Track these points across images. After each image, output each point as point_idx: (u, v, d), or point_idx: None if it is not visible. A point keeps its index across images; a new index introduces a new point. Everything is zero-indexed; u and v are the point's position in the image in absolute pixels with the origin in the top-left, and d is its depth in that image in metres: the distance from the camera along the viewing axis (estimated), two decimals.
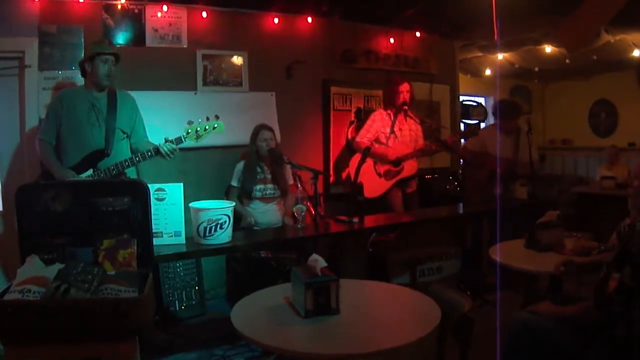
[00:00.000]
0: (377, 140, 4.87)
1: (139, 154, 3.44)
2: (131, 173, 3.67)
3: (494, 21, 4.09)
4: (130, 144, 3.70)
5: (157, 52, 4.59)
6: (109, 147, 3.50)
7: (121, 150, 3.57)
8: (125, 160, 3.42)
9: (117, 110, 3.58)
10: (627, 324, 2.18)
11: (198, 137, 3.47)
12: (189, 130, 3.45)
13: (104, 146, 3.49)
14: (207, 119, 3.50)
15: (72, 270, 2.30)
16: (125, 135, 3.66)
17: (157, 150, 3.42)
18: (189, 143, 3.50)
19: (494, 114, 4.96)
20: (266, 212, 4.27)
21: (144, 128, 3.81)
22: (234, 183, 4.29)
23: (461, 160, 5.17)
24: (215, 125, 3.50)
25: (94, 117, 3.52)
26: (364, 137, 4.87)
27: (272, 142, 4.25)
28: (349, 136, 5.51)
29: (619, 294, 2.24)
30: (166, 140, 3.44)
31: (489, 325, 2.77)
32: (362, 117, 5.43)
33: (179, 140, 3.44)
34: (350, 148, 5.32)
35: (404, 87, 4.82)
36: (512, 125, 4.80)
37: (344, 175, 5.44)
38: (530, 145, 4.69)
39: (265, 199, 4.27)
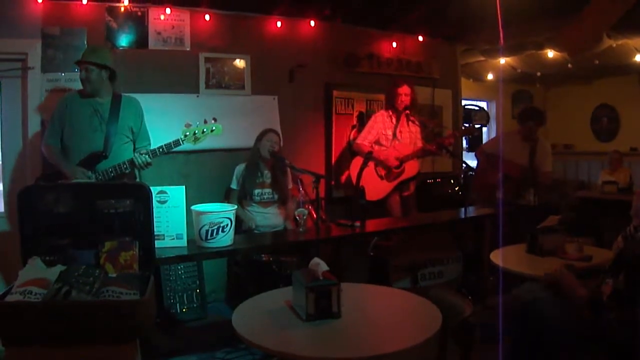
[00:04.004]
0: (377, 142, 4.85)
1: (115, 166, 3.45)
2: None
3: (498, 25, 4.10)
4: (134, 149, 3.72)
5: (160, 55, 4.60)
6: (107, 149, 3.51)
7: (124, 154, 3.57)
8: (123, 163, 3.44)
9: (120, 115, 3.60)
10: (622, 330, 2.18)
11: (196, 139, 3.49)
12: (187, 133, 3.46)
13: (102, 149, 3.50)
14: (205, 121, 3.52)
15: (74, 272, 2.31)
16: (130, 140, 3.67)
17: (131, 162, 3.46)
18: (187, 146, 3.51)
19: (518, 118, 4.95)
20: (266, 215, 4.28)
21: (148, 135, 3.80)
22: (234, 185, 4.31)
23: (463, 165, 5.16)
24: (213, 128, 3.52)
25: (96, 121, 3.54)
26: (365, 139, 4.86)
27: (276, 146, 4.27)
28: (351, 139, 5.51)
29: (613, 300, 2.25)
30: (140, 153, 3.48)
31: (490, 330, 2.76)
32: (364, 121, 5.43)
33: (177, 142, 3.45)
34: (350, 150, 5.32)
35: (403, 89, 4.80)
36: (532, 132, 4.80)
37: (343, 177, 5.43)
38: (549, 154, 4.87)
39: (263, 203, 4.29)
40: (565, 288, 2.50)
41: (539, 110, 5.10)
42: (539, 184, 4.77)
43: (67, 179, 3.36)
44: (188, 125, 3.48)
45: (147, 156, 3.46)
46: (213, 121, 3.54)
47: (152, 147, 3.64)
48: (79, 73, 3.58)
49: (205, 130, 3.49)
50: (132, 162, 3.46)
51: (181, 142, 3.46)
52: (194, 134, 3.47)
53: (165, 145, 3.47)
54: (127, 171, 3.48)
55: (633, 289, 2.20)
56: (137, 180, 3.68)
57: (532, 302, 2.53)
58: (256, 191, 4.27)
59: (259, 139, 4.32)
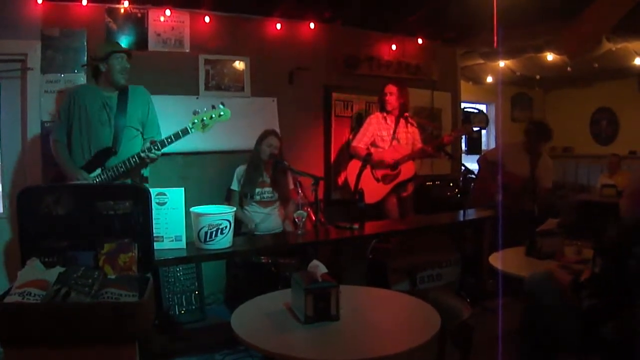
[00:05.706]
0: (373, 143, 4.84)
1: (124, 162, 3.39)
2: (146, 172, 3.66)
3: (496, 28, 4.10)
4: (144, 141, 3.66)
5: (160, 57, 4.60)
6: (116, 145, 3.46)
7: (133, 148, 3.50)
8: (132, 157, 3.38)
9: (128, 107, 3.54)
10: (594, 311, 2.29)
11: (204, 126, 3.40)
12: (195, 121, 3.39)
13: (112, 145, 3.46)
14: (213, 107, 3.45)
15: (73, 274, 2.31)
16: (139, 131, 3.62)
17: (140, 158, 3.38)
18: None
19: (525, 132, 4.94)
20: (265, 217, 4.28)
21: (157, 124, 3.73)
22: (234, 187, 4.30)
23: (462, 168, 5.17)
24: (222, 113, 3.44)
25: (105, 116, 3.49)
26: (360, 142, 4.84)
27: (276, 150, 4.26)
28: (350, 139, 5.50)
29: (589, 282, 2.35)
30: (151, 143, 3.41)
31: (489, 332, 2.77)
32: (362, 121, 5.41)
33: (185, 131, 3.37)
34: (348, 152, 5.31)
35: (388, 88, 4.78)
36: (538, 148, 4.81)
37: (340, 180, 5.43)
38: (550, 170, 4.93)
39: (263, 203, 4.29)
40: (556, 276, 2.61)
41: (547, 126, 5.05)
42: (537, 197, 4.78)
43: (69, 181, 3.34)
44: (196, 113, 3.41)
45: (155, 150, 3.38)
46: (221, 105, 3.46)
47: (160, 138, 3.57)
48: (114, 65, 3.48)
49: (213, 115, 3.41)
50: (140, 157, 3.38)
51: (189, 131, 3.37)
52: (202, 120, 3.39)
53: (173, 134, 3.38)
54: (135, 165, 3.41)
55: (607, 273, 2.29)
56: (142, 174, 3.64)
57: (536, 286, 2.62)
58: (257, 190, 4.26)
59: (259, 142, 4.30)
